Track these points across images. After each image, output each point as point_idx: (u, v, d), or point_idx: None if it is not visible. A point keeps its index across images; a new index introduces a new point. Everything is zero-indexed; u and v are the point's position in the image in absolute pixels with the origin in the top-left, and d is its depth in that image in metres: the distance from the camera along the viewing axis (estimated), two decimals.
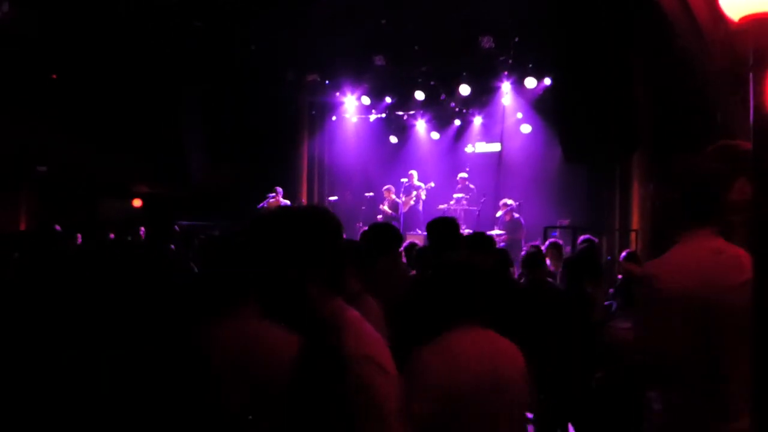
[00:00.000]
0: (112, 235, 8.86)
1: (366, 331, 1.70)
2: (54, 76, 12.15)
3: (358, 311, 2.92)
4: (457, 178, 13.11)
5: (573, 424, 5.06)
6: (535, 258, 5.40)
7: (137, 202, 13.67)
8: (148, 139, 12.71)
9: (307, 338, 1.65)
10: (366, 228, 4.42)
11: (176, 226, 8.73)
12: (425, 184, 13.19)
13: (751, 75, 2.27)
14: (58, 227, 8.30)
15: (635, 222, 10.47)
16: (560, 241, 7.85)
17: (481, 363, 2.34)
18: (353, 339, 1.63)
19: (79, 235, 8.35)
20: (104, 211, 13.29)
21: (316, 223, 1.70)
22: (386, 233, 4.14)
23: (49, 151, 12.00)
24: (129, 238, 9.26)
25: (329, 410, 1.56)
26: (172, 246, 6.97)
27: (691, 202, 2.56)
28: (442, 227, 4.09)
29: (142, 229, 11.11)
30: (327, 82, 14.62)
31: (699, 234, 2.52)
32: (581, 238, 7.49)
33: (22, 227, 11.68)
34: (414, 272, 4.91)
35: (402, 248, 5.91)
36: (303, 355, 1.64)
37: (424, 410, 2.16)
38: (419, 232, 12.80)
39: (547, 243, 7.73)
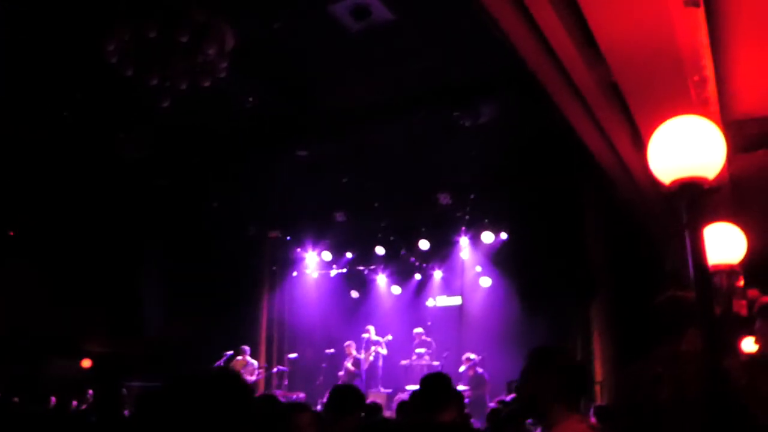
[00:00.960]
0: (53, 399, 8.40)
1: None
2: (12, 234, 12.09)
3: None
4: (413, 334, 13.03)
5: None
6: (498, 414, 5.29)
7: (86, 363, 13.12)
8: (104, 294, 12.49)
9: None
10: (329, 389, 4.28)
11: (125, 389, 8.32)
12: (383, 338, 13.05)
13: (686, 233, 2.40)
14: None
15: (598, 374, 10.40)
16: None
17: None
18: None
19: (16, 399, 7.89)
20: (50, 370, 12.69)
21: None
22: (347, 395, 4.01)
23: None
24: (74, 402, 8.78)
25: None
26: (126, 412, 6.61)
27: (565, 389, 2.58)
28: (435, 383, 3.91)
29: (90, 391, 10.60)
30: (288, 238, 14.83)
31: (572, 419, 2.52)
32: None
33: None
34: None
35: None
36: None
37: None
38: (381, 390, 12.46)
39: (511, 396, 7.58)
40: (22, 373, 11.24)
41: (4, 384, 9.10)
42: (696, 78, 3.62)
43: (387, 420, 4.87)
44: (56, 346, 12.65)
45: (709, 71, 3.67)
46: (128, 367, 12.33)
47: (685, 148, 2.40)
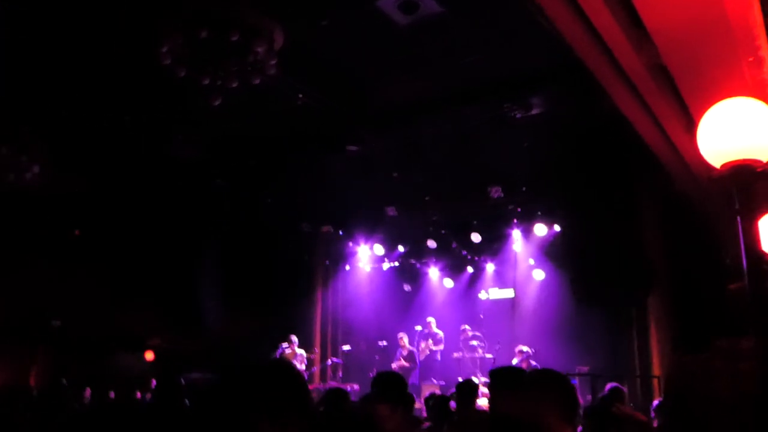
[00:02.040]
0: (112, 394, 8.74)
1: None
2: (77, 233, 12.58)
3: None
4: (461, 329, 13.02)
5: None
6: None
7: (149, 356, 13.56)
8: (164, 291, 12.88)
9: None
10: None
11: (182, 380, 8.56)
12: (442, 332, 13.09)
13: (738, 218, 2.35)
14: (65, 382, 8.21)
15: (656, 367, 10.19)
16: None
17: None
18: None
19: (88, 390, 8.24)
20: (118, 364, 13.17)
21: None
22: (391, 381, 4.06)
23: (64, 304, 12.13)
24: (137, 393, 9.10)
25: None
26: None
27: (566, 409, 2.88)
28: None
29: (154, 382, 10.96)
30: (341, 232, 14.98)
31: None
32: (609, 386, 7.26)
33: (32, 382, 11.56)
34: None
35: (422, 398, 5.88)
36: None
37: None
38: (434, 381, 12.49)
39: None
40: (93, 367, 11.73)
41: (76, 379, 9.49)
42: (750, 58, 3.51)
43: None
44: (122, 341, 13.13)
45: (765, 51, 3.55)
46: (188, 360, 12.70)
47: (736, 129, 2.35)
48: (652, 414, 6.34)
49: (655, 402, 6.69)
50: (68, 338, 12.44)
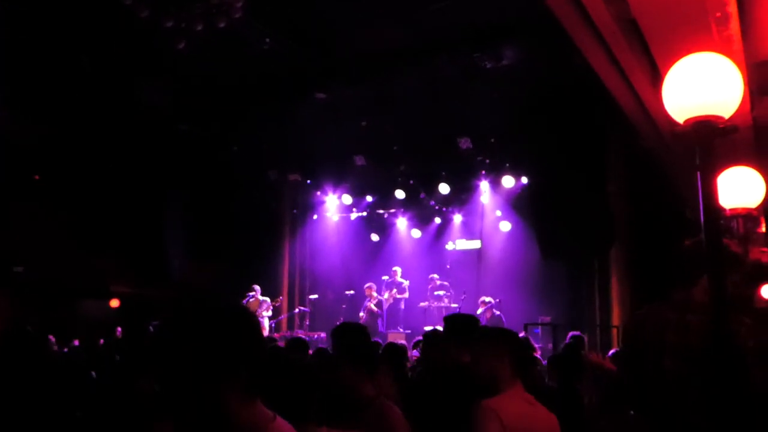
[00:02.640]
0: (76, 342, 8.69)
1: None
2: (36, 177, 12.29)
3: (372, 419, 2.84)
4: (428, 278, 13.17)
5: None
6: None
7: (115, 303, 13.49)
8: (129, 239, 12.73)
9: None
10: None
11: (150, 327, 8.56)
12: (407, 281, 13.22)
13: (698, 173, 2.37)
14: (30, 328, 8.14)
15: (615, 317, 10.48)
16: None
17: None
18: None
19: (51, 337, 8.16)
20: (82, 311, 13.09)
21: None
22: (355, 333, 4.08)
23: (27, 251, 11.94)
24: (101, 341, 9.07)
25: None
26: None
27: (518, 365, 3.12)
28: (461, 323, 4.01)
29: (119, 329, 10.93)
30: (309, 181, 14.89)
31: (517, 387, 3.04)
32: (570, 334, 7.47)
33: None
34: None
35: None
36: None
37: None
38: (401, 330, 12.68)
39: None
40: (56, 314, 11.63)
41: (39, 324, 9.40)
42: (718, 14, 3.50)
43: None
44: (86, 288, 13.01)
45: (732, 8, 3.55)
46: (153, 308, 12.67)
47: (700, 85, 2.34)
48: (607, 361, 6.52)
49: (611, 351, 6.88)
50: (31, 285, 12.29)
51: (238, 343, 1.51)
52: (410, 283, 13.30)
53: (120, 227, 12.53)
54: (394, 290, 13.12)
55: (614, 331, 10.30)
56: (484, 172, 13.37)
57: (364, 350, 3.24)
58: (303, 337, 11.44)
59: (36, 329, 8.63)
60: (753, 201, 3.77)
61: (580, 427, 4.63)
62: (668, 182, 8.50)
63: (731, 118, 2.40)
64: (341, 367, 3.07)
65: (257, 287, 12.92)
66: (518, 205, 13.31)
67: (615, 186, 10.69)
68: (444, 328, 4.15)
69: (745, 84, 2.43)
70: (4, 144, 10.78)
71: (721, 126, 2.35)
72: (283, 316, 13.91)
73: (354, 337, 3.71)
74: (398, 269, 13.52)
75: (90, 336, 9.87)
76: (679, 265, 3.16)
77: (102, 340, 9.41)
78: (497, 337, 3.25)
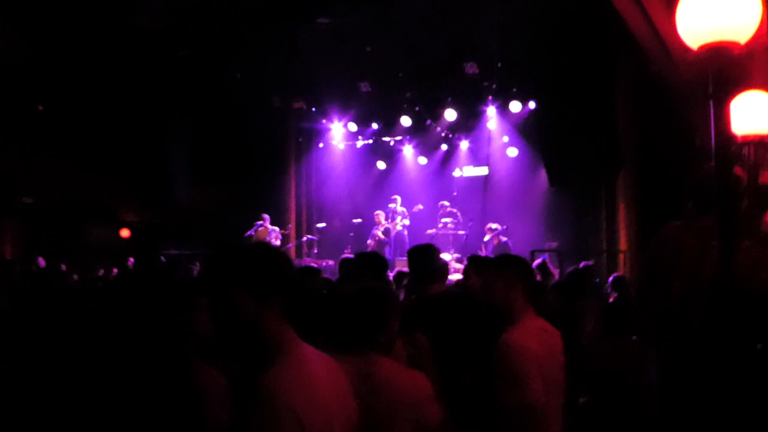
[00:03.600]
0: (101, 272, 8.80)
1: (304, 376, 1.66)
2: (41, 108, 12.17)
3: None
4: (438, 205, 13.16)
5: None
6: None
7: (125, 233, 13.60)
8: (135, 166, 12.71)
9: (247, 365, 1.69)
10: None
11: (162, 257, 8.68)
12: (413, 207, 13.19)
13: (711, 101, 2.31)
14: (41, 259, 8.26)
15: (622, 243, 10.51)
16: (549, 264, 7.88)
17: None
18: (282, 378, 1.61)
19: (63, 266, 8.30)
20: (92, 240, 13.22)
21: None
22: (372, 262, 4.13)
23: (36, 181, 11.97)
24: (114, 270, 9.21)
25: None
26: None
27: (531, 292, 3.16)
28: (420, 255, 4.09)
29: (131, 260, 11.07)
30: (313, 109, 14.70)
31: (530, 314, 3.12)
32: (582, 264, 7.45)
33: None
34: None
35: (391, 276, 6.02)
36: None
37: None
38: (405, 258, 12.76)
39: (536, 263, 7.73)
40: (66, 243, 11.77)
41: (52, 255, 9.52)
42: None
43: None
44: (94, 216, 13.10)
45: None
46: (161, 236, 12.79)
47: (716, 9, 2.24)
48: (608, 289, 6.60)
49: (611, 277, 6.94)
50: (40, 215, 12.39)
51: (274, 273, 1.74)
52: (422, 208, 13.26)
53: (126, 155, 12.50)
54: (399, 218, 13.11)
55: (621, 256, 10.36)
56: (491, 97, 13.16)
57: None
58: (313, 265, 11.66)
59: (47, 258, 8.78)
60: (766, 127, 3.69)
61: (576, 354, 4.73)
62: (678, 108, 8.34)
63: (747, 43, 2.31)
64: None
65: (266, 216, 12.97)
66: (525, 130, 13.17)
67: (623, 112, 10.51)
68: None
69: (763, 5, 2.32)
70: (6, 76, 10.64)
71: (736, 53, 2.28)
72: (291, 245, 14.04)
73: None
74: (398, 198, 13.48)
75: (103, 265, 10.02)
76: (701, 191, 3.15)
77: (115, 270, 9.54)
78: (510, 265, 3.24)
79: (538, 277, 6.81)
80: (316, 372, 1.71)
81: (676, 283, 3.00)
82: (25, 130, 11.61)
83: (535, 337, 3.01)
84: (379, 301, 2.43)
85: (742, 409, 2.45)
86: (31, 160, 11.65)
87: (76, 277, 8.23)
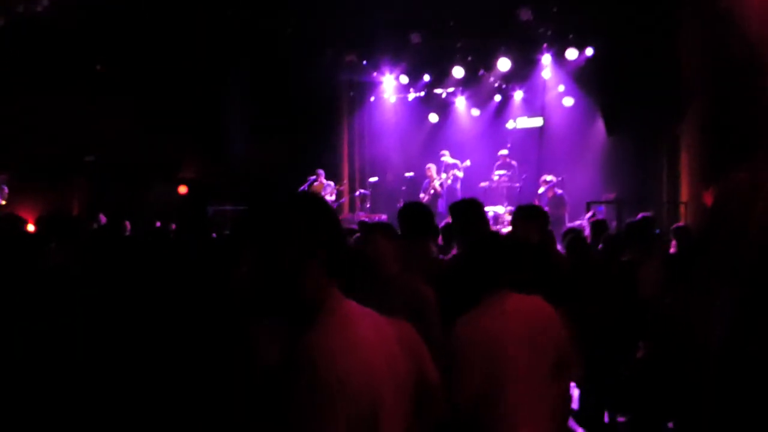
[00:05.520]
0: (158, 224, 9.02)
1: (347, 337, 1.58)
2: (99, 68, 12.42)
3: (392, 291, 2.95)
4: (498, 155, 12.95)
5: (613, 402, 4.99)
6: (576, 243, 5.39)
7: (183, 189, 13.90)
8: (193, 124, 12.93)
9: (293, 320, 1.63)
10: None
11: (210, 211, 8.79)
12: (461, 162, 13.03)
13: None
14: (102, 216, 8.51)
15: (684, 194, 10.19)
16: (603, 218, 7.69)
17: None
18: (324, 340, 1.54)
19: (127, 223, 8.52)
20: (153, 197, 13.55)
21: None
22: (418, 214, 4.12)
23: (97, 140, 12.30)
24: (173, 225, 9.42)
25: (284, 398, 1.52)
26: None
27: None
28: (465, 210, 4.12)
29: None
30: (365, 62, 14.55)
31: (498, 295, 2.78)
32: (640, 215, 7.26)
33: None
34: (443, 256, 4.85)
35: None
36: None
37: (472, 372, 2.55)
38: None
39: (587, 222, 7.56)
40: (129, 199, 12.12)
41: (115, 213, 9.79)
42: None
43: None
44: (154, 173, 13.41)
45: None
46: (217, 192, 13.03)
47: None
48: (671, 236, 6.43)
49: (674, 226, 6.75)
50: (102, 173, 12.75)
51: (318, 227, 1.66)
52: (471, 163, 13.11)
53: (183, 113, 12.70)
54: (452, 172, 12.98)
55: (682, 207, 10.06)
56: (546, 44, 12.77)
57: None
58: (365, 219, 11.71)
59: (111, 216, 9.05)
60: None
61: (634, 306, 4.66)
62: (748, 52, 7.89)
63: None
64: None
65: (321, 171, 13.04)
66: (582, 78, 12.78)
67: (688, 54, 10.03)
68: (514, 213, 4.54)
69: None
70: (64, 39, 10.87)
71: None
72: (344, 199, 14.12)
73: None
74: (446, 152, 13.32)
75: (162, 221, 10.27)
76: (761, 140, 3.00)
77: (173, 225, 9.77)
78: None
79: (588, 233, 6.69)
80: (362, 332, 1.62)
81: (747, 234, 2.87)
82: (86, 93, 11.87)
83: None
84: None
85: None
86: (93, 120, 11.94)
87: (135, 233, 8.45)
